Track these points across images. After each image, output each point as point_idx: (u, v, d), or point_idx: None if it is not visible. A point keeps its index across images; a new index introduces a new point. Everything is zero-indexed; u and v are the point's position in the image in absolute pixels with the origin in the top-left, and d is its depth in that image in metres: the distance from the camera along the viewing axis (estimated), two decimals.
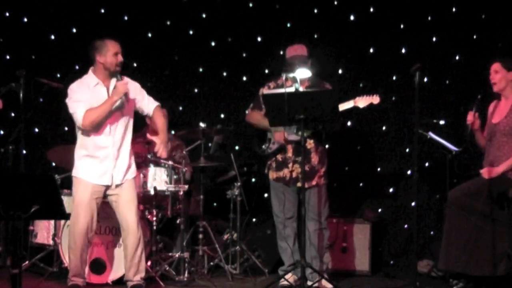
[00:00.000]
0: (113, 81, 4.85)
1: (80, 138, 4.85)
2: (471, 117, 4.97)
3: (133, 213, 4.86)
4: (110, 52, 4.78)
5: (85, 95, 4.77)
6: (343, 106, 5.07)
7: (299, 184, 5.03)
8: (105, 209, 5.03)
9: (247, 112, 5.42)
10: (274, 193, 5.31)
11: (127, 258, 4.87)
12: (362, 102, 5.09)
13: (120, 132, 4.87)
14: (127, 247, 4.86)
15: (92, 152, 4.81)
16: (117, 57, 4.78)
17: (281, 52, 5.57)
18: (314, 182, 5.17)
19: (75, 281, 4.82)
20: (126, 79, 4.92)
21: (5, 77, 4.95)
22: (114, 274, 5.19)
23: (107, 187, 4.84)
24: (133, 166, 4.99)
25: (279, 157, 5.22)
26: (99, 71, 4.83)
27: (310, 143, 5.16)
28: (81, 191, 4.80)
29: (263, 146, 5.27)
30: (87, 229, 4.78)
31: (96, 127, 4.76)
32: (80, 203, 4.79)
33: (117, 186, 4.86)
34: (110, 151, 4.81)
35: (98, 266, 5.20)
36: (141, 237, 4.88)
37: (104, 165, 4.80)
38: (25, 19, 7.05)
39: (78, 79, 4.90)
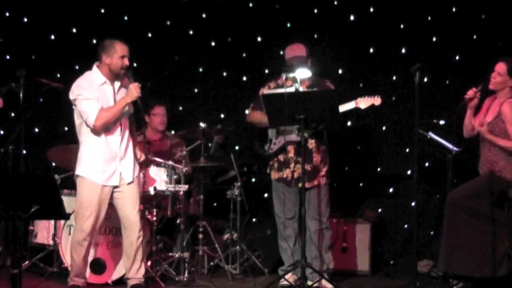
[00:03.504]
0: (117, 83, 4.83)
1: (87, 137, 4.75)
2: (471, 92, 4.90)
3: (136, 211, 4.85)
4: (117, 55, 4.73)
5: (95, 93, 4.71)
6: (344, 107, 5.05)
7: (300, 185, 5.03)
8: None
9: (247, 112, 5.42)
10: (275, 193, 5.31)
11: (129, 257, 4.85)
12: (363, 103, 5.07)
13: (126, 132, 4.86)
14: (130, 246, 4.83)
15: (100, 152, 4.74)
16: (123, 60, 4.74)
17: (281, 52, 5.56)
18: (316, 182, 5.16)
19: (75, 282, 4.81)
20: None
21: (5, 77, 4.95)
22: (114, 274, 5.19)
23: (115, 187, 4.81)
24: (137, 164, 4.98)
25: (281, 157, 5.22)
26: (104, 70, 4.78)
27: (311, 143, 5.16)
28: (88, 192, 4.72)
29: (265, 146, 5.27)
30: (92, 231, 4.76)
31: (106, 128, 4.73)
32: (86, 204, 4.72)
33: (121, 184, 4.82)
34: (117, 151, 4.79)
35: (98, 266, 5.20)
36: (142, 236, 4.88)
37: (112, 165, 4.77)
38: (25, 19, 7.05)
39: (82, 75, 4.81)
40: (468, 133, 5.12)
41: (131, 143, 4.91)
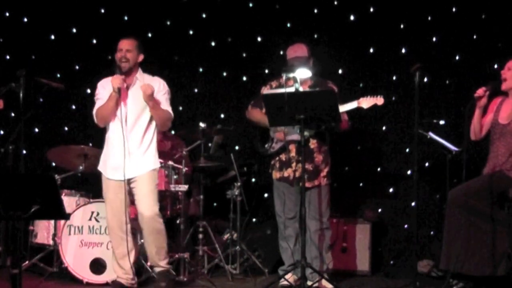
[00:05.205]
0: (134, 78, 4.94)
1: (105, 134, 5.02)
2: (481, 91, 4.85)
3: (146, 207, 4.89)
4: (117, 49, 4.95)
5: (107, 92, 4.88)
6: (345, 107, 5.05)
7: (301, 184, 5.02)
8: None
9: (248, 108, 5.41)
10: (276, 193, 5.31)
11: (147, 248, 4.99)
12: (365, 103, 5.05)
13: (131, 127, 4.88)
14: (144, 238, 4.98)
15: (107, 146, 4.97)
16: (118, 53, 4.93)
17: (281, 52, 5.57)
18: (317, 182, 5.16)
19: (116, 277, 5.00)
20: (148, 77, 5.02)
21: (5, 77, 4.95)
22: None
23: (127, 181, 4.88)
24: (150, 160, 4.96)
25: (283, 157, 5.22)
26: None
27: (313, 143, 5.16)
28: (104, 187, 4.99)
29: (266, 146, 5.27)
30: (114, 226, 4.89)
31: (107, 122, 4.90)
32: (105, 199, 4.99)
33: (131, 180, 4.88)
34: (120, 146, 4.84)
35: (98, 266, 5.21)
36: (159, 229, 4.94)
37: (116, 160, 4.87)
38: (25, 19, 7.06)
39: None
40: (476, 135, 5.04)
41: (140, 138, 4.92)
